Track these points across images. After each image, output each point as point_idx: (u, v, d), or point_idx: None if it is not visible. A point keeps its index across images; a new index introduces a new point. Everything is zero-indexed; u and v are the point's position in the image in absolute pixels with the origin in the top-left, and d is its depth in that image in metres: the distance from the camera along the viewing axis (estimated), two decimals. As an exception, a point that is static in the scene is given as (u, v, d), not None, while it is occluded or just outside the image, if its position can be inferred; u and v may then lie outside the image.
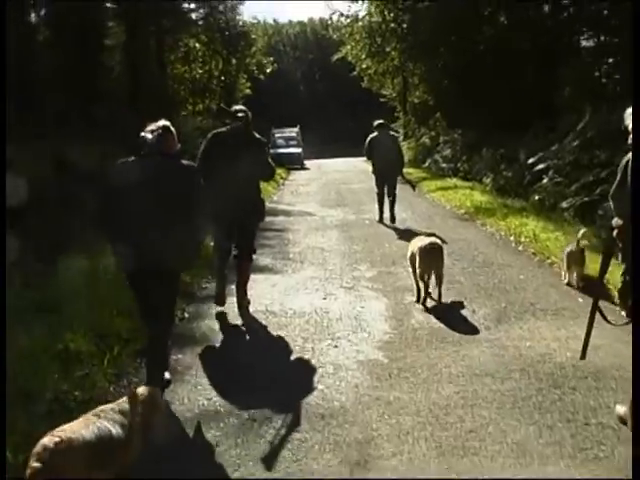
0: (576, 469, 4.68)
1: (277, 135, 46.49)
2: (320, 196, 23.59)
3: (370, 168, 16.96)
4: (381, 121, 16.41)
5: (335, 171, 37.39)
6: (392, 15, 36.91)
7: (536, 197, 17.94)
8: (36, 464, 3.64)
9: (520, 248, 12.47)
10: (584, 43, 31.21)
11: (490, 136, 27.13)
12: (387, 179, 16.07)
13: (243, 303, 8.87)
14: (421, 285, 8.86)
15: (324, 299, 9.34)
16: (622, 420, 5.19)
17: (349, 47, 43.57)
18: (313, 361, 6.99)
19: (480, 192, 21.19)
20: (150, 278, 6.01)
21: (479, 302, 8.90)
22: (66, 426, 3.97)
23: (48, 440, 3.74)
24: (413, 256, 9.03)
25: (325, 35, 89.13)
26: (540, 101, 27.84)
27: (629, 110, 4.90)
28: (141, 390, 4.72)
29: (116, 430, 4.12)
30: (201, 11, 47.66)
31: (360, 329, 7.94)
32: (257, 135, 8.68)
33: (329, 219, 17.21)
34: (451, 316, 8.33)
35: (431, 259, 8.76)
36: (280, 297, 9.56)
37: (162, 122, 6.32)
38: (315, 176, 34.80)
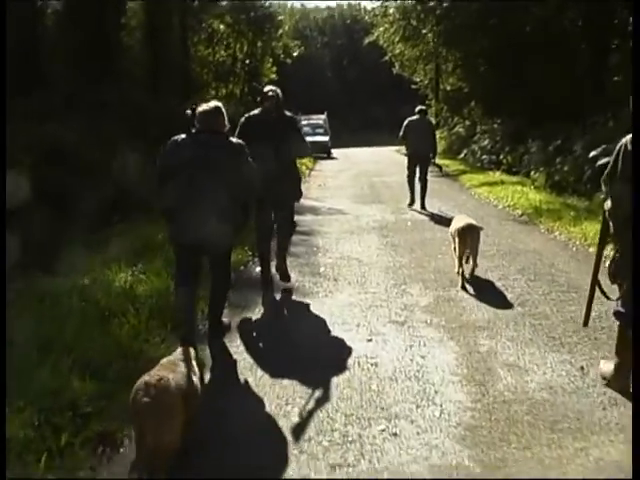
0: None
1: (303, 122, 44.16)
2: (352, 190, 21.16)
3: (402, 159, 17.41)
4: (423, 107, 17.07)
5: (365, 161, 35.03)
6: (430, -5, 34.23)
7: (602, 196, 15.35)
8: (145, 399, 3.95)
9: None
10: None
11: (536, 126, 24.91)
12: (420, 162, 16.29)
13: (283, 266, 9.22)
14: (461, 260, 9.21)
15: (369, 341, 6.92)
16: (604, 377, 5.61)
17: (382, 29, 41.05)
18: (362, 464, 4.54)
19: (533, 189, 18.71)
20: (201, 250, 6.58)
21: (583, 352, 6.43)
22: (155, 370, 4.30)
23: (149, 378, 4.10)
24: (452, 236, 9.62)
25: (354, 20, 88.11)
26: (595, 88, 25.70)
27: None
28: (189, 348, 4.91)
29: (190, 378, 4.43)
30: (226, -11, 45.48)
31: (426, 399, 5.48)
32: (289, 113, 8.78)
33: (364, 219, 14.76)
34: (553, 378, 5.86)
35: (468, 239, 9.23)
36: (309, 337, 7.23)
37: (214, 102, 6.76)
38: (344, 167, 32.38)
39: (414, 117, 16.34)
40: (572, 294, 8.37)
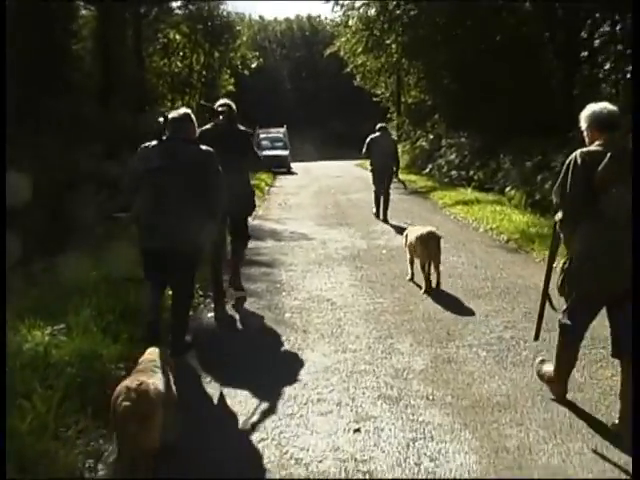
0: None
1: (262, 136, 42.70)
2: (315, 210, 19.43)
3: (365, 173, 18.65)
4: (383, 124, 17.98)
5: (327, 176, 33.35)
6: (393, 4, 32.77)
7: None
8: (126, 402, 4.07)
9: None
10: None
11: (506, 140, 23.55)
12: (383, 177, 16.86)
13: (237, 281, 9.15)
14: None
15: (356, 431, 5.14)
16: (539, 373, 5.87)
17: (343, 40, 39.59)
18: None
19: (513, 209, 17.13)
20: (167, 257, 6.51)
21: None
22: (133, 375, 4.51)
23: (130, 382, 4.23)
24: (412, 245, 9.61)
25: (314, 32, 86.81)
26: (567, 101, 24.63)
27: (585, 111, 5.24)
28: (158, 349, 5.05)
29: (164, 382, 4.53)
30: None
31: None
32: (242, 127, 8.82)
33: (332, 246, 13.04)
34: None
35: (430, 247, 9.22)
36: (275, 428, 5.34)
37: (183, 110, 7.01)
38: (305, 182, 30.70)
39: (376, 134, 16.96)
40: (600, 349, 6.73)
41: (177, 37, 44.97)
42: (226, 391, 5.97)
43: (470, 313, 8.18)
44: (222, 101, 9.04)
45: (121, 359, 6.34)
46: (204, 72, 48.27)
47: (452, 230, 14.94)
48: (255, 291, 9.58)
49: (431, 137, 35.82)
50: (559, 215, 5.21)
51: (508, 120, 24.83)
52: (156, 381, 4.44)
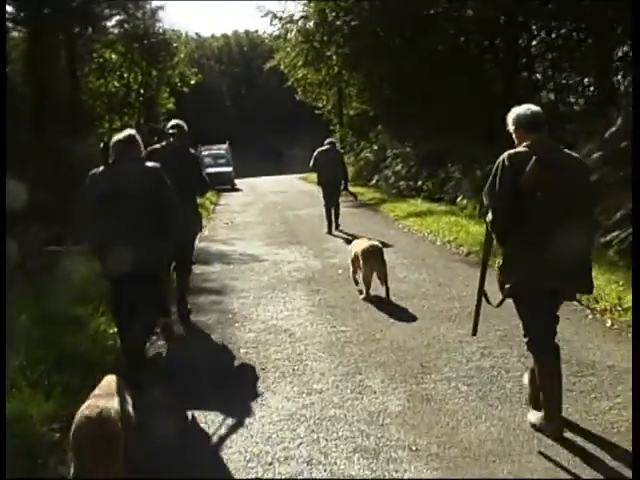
0: None
1: (204, 153, 41.75)
2: (263, 228, 18.63)
3: (309, 188, 19.33)
4: (332, 139, 18.39)
5: (272, 192, 32.59)
6: (333, 15, 32.25)
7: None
8: (86, 432, 4.02)
9: (612, 325, 7.82)
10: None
11: (454, 149, 23.13)
12: (331, 190, 16.86)
13: (185, 312, 8.83)
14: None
15: (334, 499, 4.40)
16: (535, 427, 5.29)
17: (283, 54, 39.00)
18: None
19: (468, 219, 16.54)
20: (131, 280, 6.29)
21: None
22: (91, 401, 4.36)
23: (89, 411, 4.14)
24: (356, 258, 9.61)
25: (252, 47, 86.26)
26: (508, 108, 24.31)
27: (510, 114, 5.34)
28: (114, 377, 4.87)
29: (126, 404, 4.51)
30: (116, 17, 42.61)
31: None
32: (192, 150, 9.03)
33: (285, 268, 12.27)
34: None
35: (373, 261, 9.25)
36: None
37: (128, 131, 6.83)
38: (251, 199, 29.86)
39: (323, 147, 17.02)
40: (589, 377, 6.11)
41: (113, 56, 43.91)
42: (172, 458, 5.15)
43: (442, 339, 7.50)
44: (174, 122, 9.01)
45: (55, 418, 5.50)
46: (142, 91, 47.23)
47: (409, 244, 14.32)
48: (205, 323, 8.78)
49: (375, 148, 35.38)
50: (489, 216, 5.22)
51: (452, 129, 24.50)
52: (115, 405, 4.34)
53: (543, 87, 31.98)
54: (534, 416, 5.30)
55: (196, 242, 9.66)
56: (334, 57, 34.33)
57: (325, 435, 5.28)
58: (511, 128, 5.34)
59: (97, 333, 7.90)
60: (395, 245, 14.01)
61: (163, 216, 6.47)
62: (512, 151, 5.10)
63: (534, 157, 4.86)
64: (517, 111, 5.31)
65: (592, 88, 27.76)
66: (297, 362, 7.03)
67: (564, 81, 30.90)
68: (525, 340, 5.35)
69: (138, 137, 6.77)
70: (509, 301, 5.38)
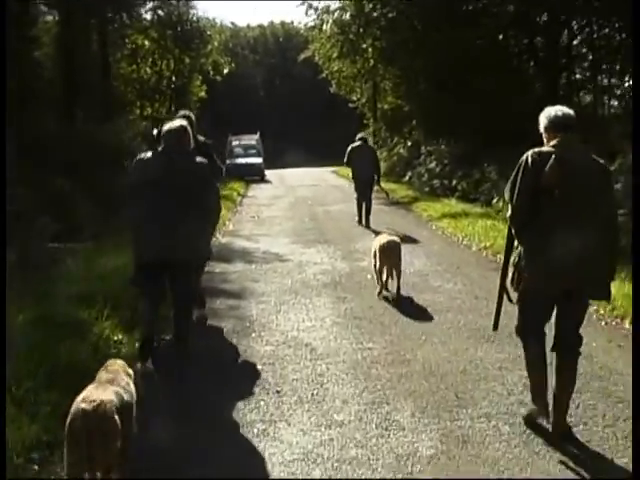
0: None
1: (234, 143, 41.25)
2: (291, 224, 17.90)
3: (341, 182, 19.59)
4: (364, 135, 18.40)
5: (303, 185, 31.85)
6: (370, 7, 31.40)
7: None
8: (82, 425, 3.90)
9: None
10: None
11: (489, 149, 22.30)
12: (364, 185, 16.95)
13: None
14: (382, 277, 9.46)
15: None
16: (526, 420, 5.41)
17: (318, 45, 38.24)
18: None
19: (505, 223, 15.58)
20: (168, 267, 6.49)
21: None
22: (88, 392, 4.22)
23: (86, 405, 4.00)
24: (374, 253, 9.54)
25: (287, 38, 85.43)
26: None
27: (542, 114, 5.32)
28: (120, 362, 4.93)
29: (125, 395, 4.40)
30: (150, 3, 41.96)
31: None
32: (201, 138, 8.39)
33: (310, 270, 11.52)
34: None
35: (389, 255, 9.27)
36: None
37: (179, 121, 6.94)
38: (280, 192, 29.11)
39: (356, 143, 17.06)
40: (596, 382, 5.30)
41: (146, 43, 43.11)
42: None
43: (480, 365, 6.71)
44: (181, 112, 8.57)
45: (36, 446, 4.80)
46: (174, 78, 46.54)
47: (442, 249, 13.52)
48: (219, 331, 8.05)
49: (409, 144, 34.65)
50: (509, 212, 5.30)
51: (489, 128, 23.68)
52: (112, 397, 4.22)
53: (583, 88, 31.12)
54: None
55: (205, 270, 8.70)
56: (370, 50, 33.68)
57: (345, 483, 4.52)
58: (542, 128, 5.34)
59: (100, 339, 7.20)
60: (428, 249, 13.25)
61: (203, 212, 6.60)
62: (536, 149, 5.13)
63: (553, 156, 4.93)
64: (549, 111, 5.31)
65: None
66: (317, 385, 6.28)
67: (605, 82, 30.01)
68: (515, 324, 5.48)
69: (189, 129, 6.85)
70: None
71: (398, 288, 9.29)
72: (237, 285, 10.48)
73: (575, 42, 29.11)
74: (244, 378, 6.55)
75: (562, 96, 27.27)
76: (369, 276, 10.56)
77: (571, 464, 4.74)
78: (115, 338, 7.34)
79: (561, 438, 5.05)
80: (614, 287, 8.85)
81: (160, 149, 6.73)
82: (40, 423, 5.11)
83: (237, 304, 9.32)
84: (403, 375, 6.46)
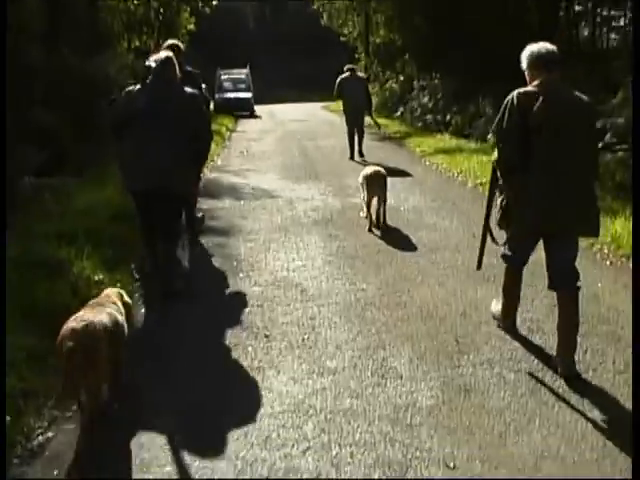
0: None
1: (224, 77, 40.35)
2: (280, 159, 17.40)
3: (332, 117, 19.34)
4: (351, 66, 17.51)
5: (292, 120, 31.17)
6: None
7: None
8: (70, 343, 3.98)
9: None
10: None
11: (485, 84, 21.71)
12: (356, 117, 16.63)
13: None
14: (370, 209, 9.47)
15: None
16: (494, 316, 5.90)
17: (309, -26, 37.32)
18: None
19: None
20: (154, 198, 6.50)
21: None
22: (81, 313, 4.36)
23: (76, 324, 4.13)
24: (361, 184, 9.69)
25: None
26: (556, 43, 22.77)
27: (524, 52, 5.19)
28: (116, 290, 5.05)
29: (118, 316, 4.55)
30: None
31: None
32: (189, 68, 8.46)
33: (301, 206, 11.09)
34: None
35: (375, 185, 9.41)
36: None
37: (165, 53, 6.90)
38: (269, 127, 28.52)
39: (345, 74, 16.57)
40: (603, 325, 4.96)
41: (132, -29, 41.86)
42: (147, 455, 4.09)
43: (480, 307, 6.33)
44: (169, 42, 8.55)
45: (10, 393, 4.43)
46: (162, 10, 45.28)
47: (437, 185, 13.10)
48: (205, 271, 7.66)
49: (401, 79, 33.98)
50: (495, 154, 5.23)
51: (484, 62, 23.02)
52: (103, 318, 4.34)
53: (582, 20, 30.33)
54: (495, 306, 5.89)
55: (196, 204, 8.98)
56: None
57: (338, 438, 4.17)
58: (524, 66, 5.21)
59: (79, 279, 6.80)
60: (423, 185, 12.84)
61: (192, 142, 6.58)
62: (521, 90, 5.02)
63: (541, 98, 4.85)
64: (531, 49, 5.16)
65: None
66: (308, 329, 5.90)
67: (605, 14, 29.23)
68: (503, 252, 5.53)
69: (174, 59, 6.81)
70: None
71: (384, 217, 9.44)
72: (224, 222, 10.07)
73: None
74: (231, 321, 6.16)
75: (561, 29, 26.65)
76: (362, 213, 10.15)
77: (582, 414, 4.40)
78: (96, 278, 6.93)
79: (570, 382, 4.86)
80: (618, 225, 8.60)
81: (148, 81, 6.71)
82: (15, 370, 4.74)
83: (224, 242, 8.92)
84: (399, 318, 6.09)
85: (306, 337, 5.72)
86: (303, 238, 9.03)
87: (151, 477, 3.86)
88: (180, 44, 8.55)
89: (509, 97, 5.02)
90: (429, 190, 12.37)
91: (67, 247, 7.50)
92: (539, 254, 5.35)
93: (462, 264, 7.65)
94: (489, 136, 18.61)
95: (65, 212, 9.25)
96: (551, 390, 4.74)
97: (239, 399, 4.72)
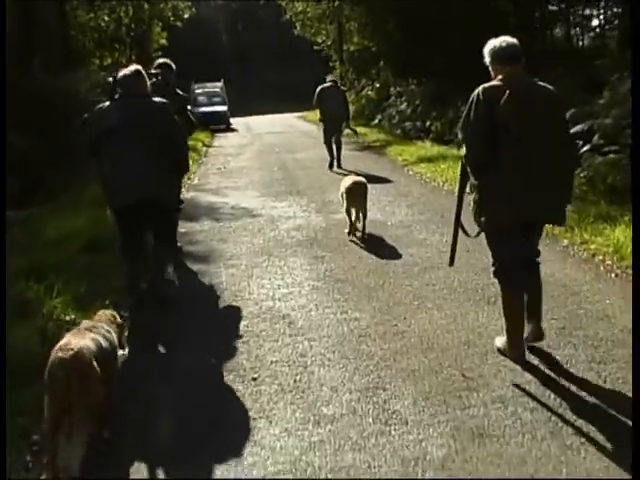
0: None
1: (198, 91, 39.95)
2: (259, 175, 16.90)
3: (308, 127, 20.02)
4: (333, 77, 18.60)
5: (269, 133, 30.76)
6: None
7: (581, 175, 11.66)
8: (59, 372, 3.90)
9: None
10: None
11: (463, 88, 21.27)
12: (334, 127, 16.84)
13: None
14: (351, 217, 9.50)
15: None
16: (500, 351, 5.42)
17: (282, -17, 36.98)
18: None
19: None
20: (142, 211, 6.46)
21: None
22: (67, 339, 4.23)
23: (63, 353, 4.00)
24: (342, 195, 9.63)
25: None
26: (529, 45, 22.57)
27: (486, 46, 5.20)
28: (109, 312, 5.02)
29: (105, 342, 4.41)
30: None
31: None
32: (180, 92, 8.99)
33: (284, 225, 10.60)
34: None
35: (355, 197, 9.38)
36: None
37: (134, 66, 6.83)
38: (246, 141, 28.05)
39: (326, 84, 17.02)
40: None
41: (102, -12, 41.25)
42: None
43: (484, 334, 5.85)
44: (160, 61, 8.89)
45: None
46: (134, 26, 44.84)
47: (423, 196, 12.64)
48: (185, 302, 7.15)
49: (377, 86, 33.71)
50: (464, 150, 5.20)
51: (461, 65, 22.65)
52: (88, 342, 4.22)
53: (557, 21, 30.13)
54: (500, 341, 5.48)
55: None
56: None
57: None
58: (487, 61, 5.22)
59: (49, 321, 6.27)
60: (408, 197, 12.40)
61: (169, 151, 6.55)
62: (486, 85, 5.00)
63: (507, 91, 4.81)
64: (492, 43, 5.18)
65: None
66: (300, 368, 5.39)
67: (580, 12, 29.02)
68: (492, 268, 5.41)
69: (144, 72, 6.82)
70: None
71: (363, 228, 9.38)
72: (204, 247, 9.55)
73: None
74: (216, 362, 5.64)
75: (536, 30, 26.42)
76: (345, 230, 9.69)
77: (612, 458, 3.93)
78: (67, 318, 6.41)
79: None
80: (619, 233, 8.17)
81: (117, 96, 6.77)
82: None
83: (204, 269, 8.39)
84: (398, 351, 5.59)
85: (298, 378, 5.20)
86: (287, 261, 8.53)
87: None
88: (171, 63, 8.80)
89: (474, 92, 4.99)
90: (415, 202, 11.92)
91: (37, 284, 6.98)
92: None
93: (459, 285, 7.17)
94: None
95: (35, 244, 8.72)
96: (575, 430, 4.25)
97: (227, 456, 4.20)
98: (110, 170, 6.51)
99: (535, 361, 5.25)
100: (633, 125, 7.22)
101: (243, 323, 6.47)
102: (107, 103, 6.77)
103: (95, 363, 4.08)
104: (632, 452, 3.49)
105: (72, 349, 4.03)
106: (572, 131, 13.58)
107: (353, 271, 7.93)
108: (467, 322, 6.13)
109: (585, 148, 12.46)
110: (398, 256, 8.43)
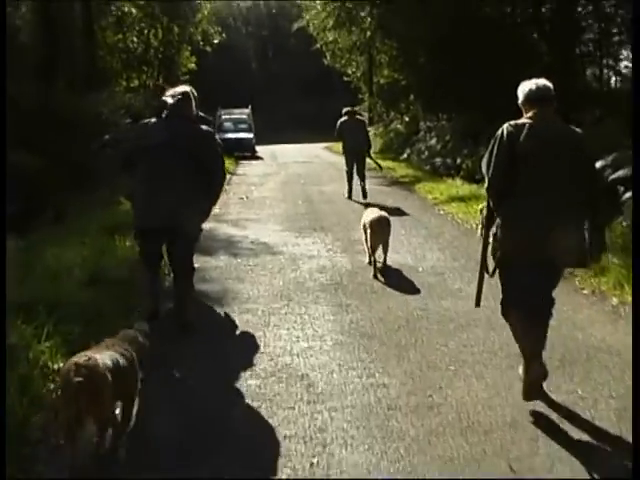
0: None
1: (224, 117, 39.53)
2: (283, 207, 16.19)
3: (335, 158, 19.81)
4: (349, 108, 17.88)
5: (295, 162, 30.22)
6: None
7: (624, 224, 10.87)
8: (78, 378, 3.93)
9: None
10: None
11: (496, 124, 20.52)
12: (356, 159, 17.05)
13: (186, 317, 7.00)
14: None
15: None
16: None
17: (313, 13, 36.48)
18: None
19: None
20: (168, 235, 6.54)
21: None
22: (85, 352, 4.33)
23: (78, 359, 4.12)
24: (365, 227, 9.46)
25: (280, 10, 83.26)
26: (564, 81, 21.89)
27: (519, 87, 5.31)
28: (131, 331, 5.08)
29: (122, 360, 4.46)
30: (136, -32, 40.01)
31: None
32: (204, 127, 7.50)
33: (306, 266, 9.84)
34: None
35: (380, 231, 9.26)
36: None
37: (182, 88, 7.02)
38: (271, 170, 27.41)
39: (345, 117, 17.26)
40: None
41: (132, 10, 41.04)
42: None
43: (532, 409, 5.04)
44: (180, 89, 7.62)
45: None
46: (162, 48, 44.70)
47: (456, 239, 11.84)
48: (192, 357, 6.38)
49: (406, 119, 33.14)
50: (486, 184, 5.24)
51: (493, 101, 22.00)
52: (104, 356, 4.29)
53: (591, 62, 29.61)
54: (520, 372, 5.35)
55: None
56: (367, 19, 31.81)
57: None
58: (520, 101, 5.33)
59: (33, 369, 5.53)
60: (440, 239, 11.63)
61: (206, 179, 6.65)
62: (512, 122, 5.11)
63: (528, 126, 4.95)
64: (524, 85, 5.32)
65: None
66: (318, 447, 4.58)
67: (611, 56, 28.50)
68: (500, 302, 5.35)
69: (192, 95, 6.88)
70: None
71: (385, 261, 9.44)
72: (217, 285, 8.81)
73: (582, 11, 27.39)
74: (221, 436, 4.85)
75: (572, 69, 25.75)
76: (365, 259, 9.02)
77: None
78: (55, 366, 5.66)
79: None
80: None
81: (164, 115, 6.79)
82: None
83: (217, 321, 7.60)
84: (433, 431, 4.78)
85: (315, 461, 4.40)
86: (309, 309, 7.76)
87: None
88: (193, 91, 7.78)
89: (500, 129, 5.11)
90: (448, 245, 11.15)
91: (25, 324, 6.25)
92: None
93: (500, 348, 6.35)
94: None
95: (31, 276, 7.99)
96: None
97: None
98: (142, 188, 6.58)
99: (605, 444, 4.43)
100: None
101: (255, 383, 5.69)
102: (153, 120, 6.89)
103: (109, 375, 4.14)
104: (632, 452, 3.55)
105: (88, 357, 4.14)
106: (613, 176, 13.00)
107: (381, 324, 7.14)
108: (512, 396, 5.30)
109: (627, 195, 11.72)
110: (431, 309, 7.64)
